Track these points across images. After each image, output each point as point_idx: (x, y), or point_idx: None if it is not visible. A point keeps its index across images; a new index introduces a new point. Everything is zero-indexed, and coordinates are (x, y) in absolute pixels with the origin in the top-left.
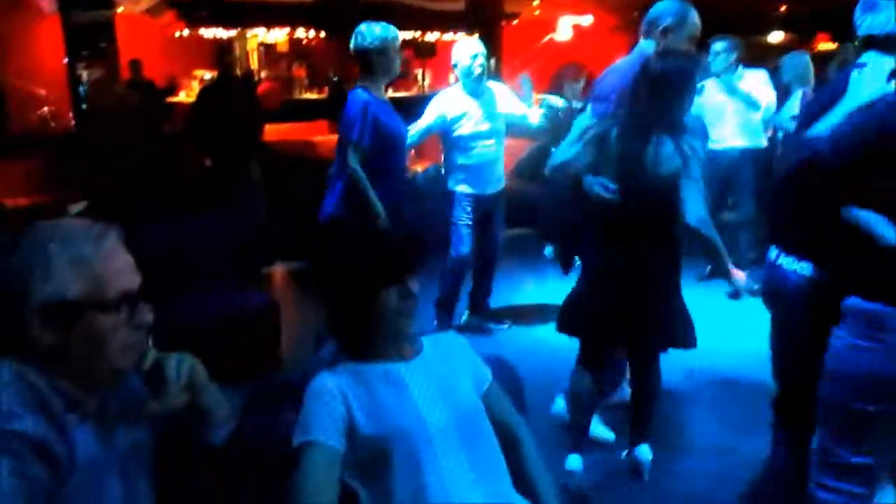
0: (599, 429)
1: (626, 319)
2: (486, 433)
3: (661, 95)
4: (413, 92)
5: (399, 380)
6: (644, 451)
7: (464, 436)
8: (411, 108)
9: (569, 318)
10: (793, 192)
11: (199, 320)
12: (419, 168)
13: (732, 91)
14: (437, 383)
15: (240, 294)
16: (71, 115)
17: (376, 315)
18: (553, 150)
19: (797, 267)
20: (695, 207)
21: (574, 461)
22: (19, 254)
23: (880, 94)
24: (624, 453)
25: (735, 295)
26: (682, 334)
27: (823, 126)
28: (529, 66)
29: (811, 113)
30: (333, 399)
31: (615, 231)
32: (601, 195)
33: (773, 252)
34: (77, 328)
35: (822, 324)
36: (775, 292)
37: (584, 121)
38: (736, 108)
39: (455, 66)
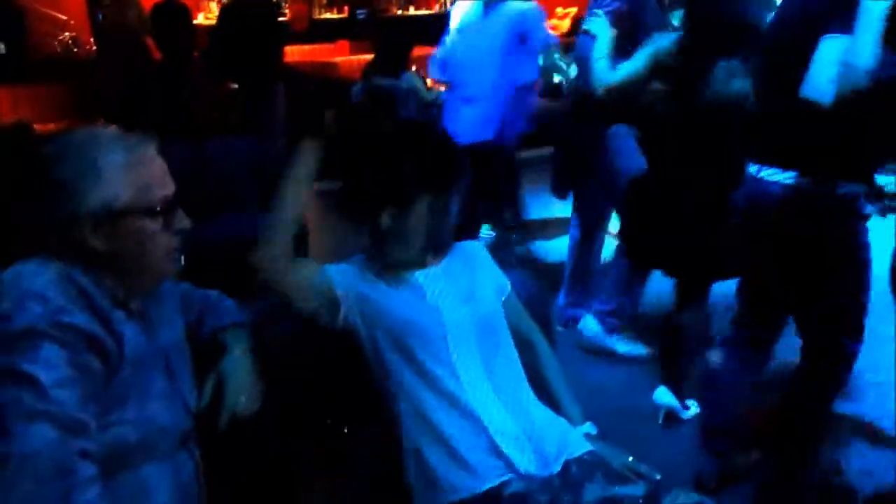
0: (627, 345)
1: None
2: (504, 340)
3: None
4: (434, 10)
5: (415, 282)
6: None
7: (480, 337)
8: (434, 27)
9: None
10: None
11: (227, 239)
12: (442, 87)
13: None
14: (455, 286)
15: (265, 216)
16: (92, 40)
17: (410, 223)
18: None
19: (781, 177)
20: None
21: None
22: (68, 161)
23: None
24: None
25: None
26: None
27: None
28: None
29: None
30: (353, 275)
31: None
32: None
33: (751, 168)
34: (125, 234)
35: (809, 232)
36: (758, 205)
37: (601, 27)
38: None
39: None
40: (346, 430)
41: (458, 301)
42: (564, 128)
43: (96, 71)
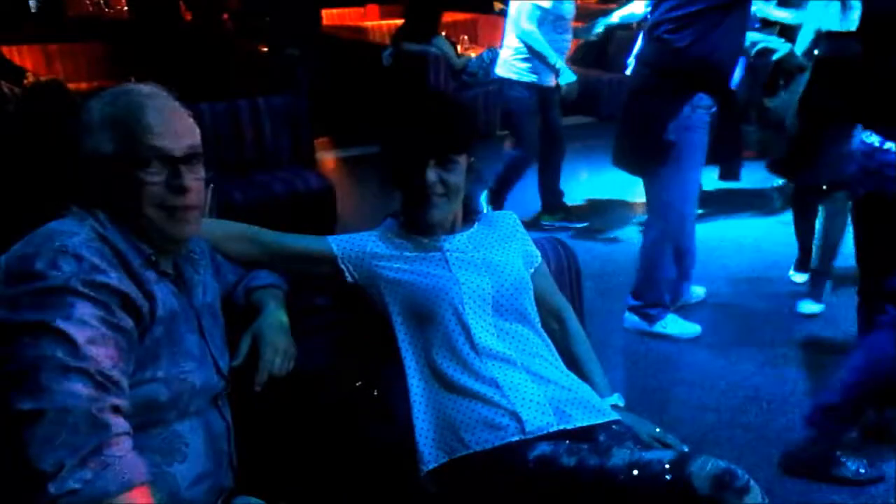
0: (681, 325)
1: None
2: (528, 309)
3: None
4: None
5: (438, 248)
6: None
7: (499, 304)
8: None
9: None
10: None
11: (261, 196)
12: (472, 54)
13: None
14: (478, 253)
15: (299, 175)
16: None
17: (419, 190)
18: None
19: None
20: None
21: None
22: (80, 115)
23: None
24: None
25: None
26: None
27: None
28: None
29: None
30: (367, 238)
31: None
32: None
33: (872, 138)
34: (114, 181)
35: None
36: (883, 177)
37: None
38: None
39: None
40: (375, 393)
41: (478, 268)
42: (642, 105)
43: (128, 30)
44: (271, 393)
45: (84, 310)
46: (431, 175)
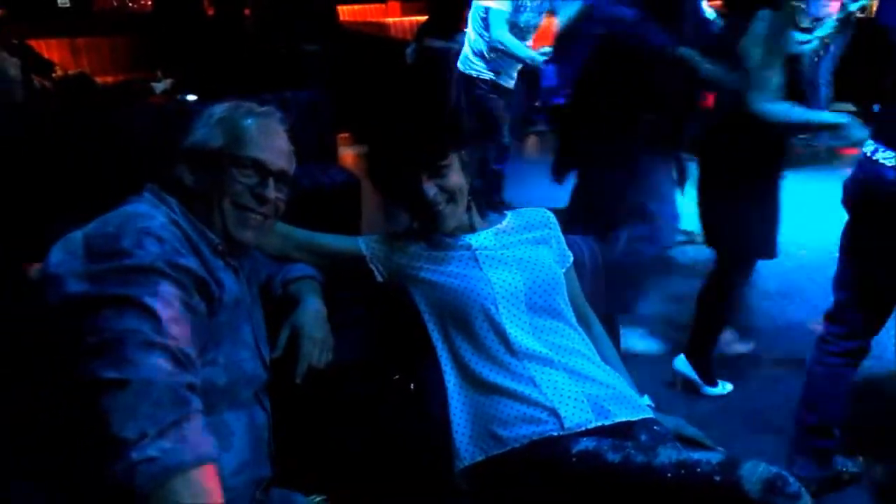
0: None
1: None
2: (562, 307)
3: None
4: None
5: (465, 247)
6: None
7: (532, 303)
8: None
9: None
10: None
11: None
12: None
13: None
14: (508, 250)
15: (324, 170)
16: None
17: (423, 206)
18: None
19: None
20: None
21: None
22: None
23: None
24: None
25: None
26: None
27: None
28: None
29: None
30: (395, 237)
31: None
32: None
33: (869, 146)
34: (209, 171)
35: None
36: (867, 190)
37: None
38: None
39: None
40: (411, 387)
41: (510, 266)
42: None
43: (152, 24)
44: (310, 385)
45: (167, 289)
46: (429, 190)
